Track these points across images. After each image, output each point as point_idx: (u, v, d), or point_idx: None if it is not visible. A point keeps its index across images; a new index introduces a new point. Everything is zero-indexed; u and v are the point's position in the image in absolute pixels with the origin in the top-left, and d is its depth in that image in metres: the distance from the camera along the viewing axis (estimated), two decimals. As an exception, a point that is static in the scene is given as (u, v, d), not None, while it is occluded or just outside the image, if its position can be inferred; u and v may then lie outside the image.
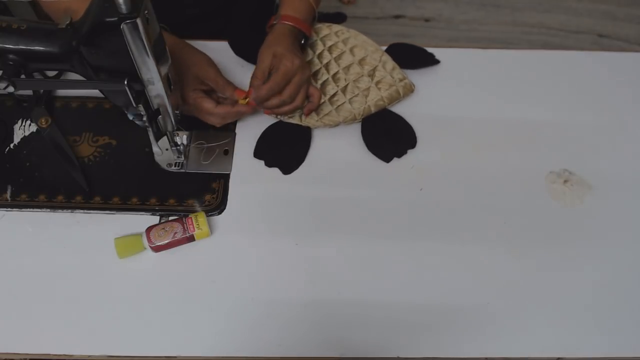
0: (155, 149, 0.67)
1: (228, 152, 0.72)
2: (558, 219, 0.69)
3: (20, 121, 0.74)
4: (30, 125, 0.73)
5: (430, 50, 0.81)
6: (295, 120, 0.74)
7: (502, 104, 0.78)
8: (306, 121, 0.74)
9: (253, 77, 0.70)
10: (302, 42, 0.76)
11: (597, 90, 0.81)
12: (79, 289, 0.63)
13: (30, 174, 0.70)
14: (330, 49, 0.78)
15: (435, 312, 0.63)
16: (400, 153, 0.73)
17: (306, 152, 0.73)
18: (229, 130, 0.74)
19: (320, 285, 0.64)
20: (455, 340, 0.62)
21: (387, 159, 0.73)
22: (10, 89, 0.53)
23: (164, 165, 0.70)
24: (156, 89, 0.56)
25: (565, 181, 0.72)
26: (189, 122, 0.71)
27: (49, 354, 0.60)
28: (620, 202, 0.71)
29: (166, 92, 0.58)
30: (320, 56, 0.78)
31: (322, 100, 0.75)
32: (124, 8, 0.48)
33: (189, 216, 0.65)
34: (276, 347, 0.61)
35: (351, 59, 0.77)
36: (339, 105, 0.74)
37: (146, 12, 0.50)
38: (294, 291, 0.64)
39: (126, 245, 0.64)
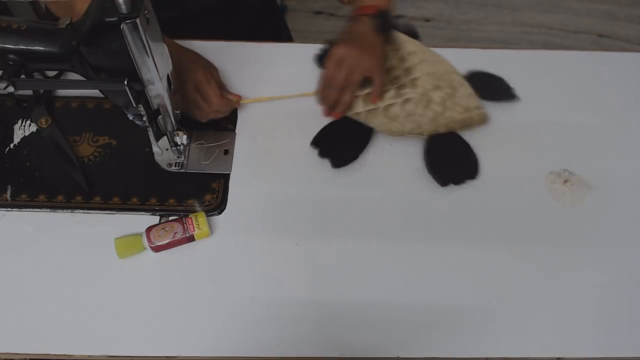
0: (155, 149, 0.67)
1: (228, 152, 0.72)
2: (558, 219, 0.69)
3: (20, 121, 0.74)
4: (30, 125, 0.73)
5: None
6: (361, 117, 0.73)
7: (502, 104, 0.78)
8: (372, 121, 0.73)
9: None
10: (380, 20, 0.74)
11: (597, 90, 0.81)
12: (79, 289, 0.63)
13: (30, 174, 0.70)
14: (412, 54, 0.76)
15: (435, 312, 0.63)
16: (458, 181, 0.71)
17: (361, 152, 0.72)
18: (228, 130, 0.74)
19: (320, 285, 0.64)
20: (455, 340, 0.62)
21: (444, 184, 0.70)
22: (10, 89, 0.52)
23: (164, 165, 0.70)
24: (156, 89, 0.56)
25: (565, 181, 0.72)
26: (189, 122, 0.71)
27: (49, 354, 0.60)
28: (620, 202, 0.71)
29: (166, 92, 0.58)
30: (402, 59, 0.76)
31: (393, 102, 0.72)
32: (124, 8, 0.47)
33: (189, 216, 0.65)
34: (276, 347, 0.61)
35: (432, 69, 0.75)
36: (409, 113, 0.72)
37: (146, 12, 0.50)
38: (294, 291, 0.64)
39: (126, 245, 0.64)
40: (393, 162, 0.73)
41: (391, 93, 0.73)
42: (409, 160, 0.73)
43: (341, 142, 0.73)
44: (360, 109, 0.73)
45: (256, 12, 0.96)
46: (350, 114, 0.74)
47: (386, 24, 0.74)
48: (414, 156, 0.73)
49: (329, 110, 0.74)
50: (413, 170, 0.72)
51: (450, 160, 0.72)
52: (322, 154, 0.72)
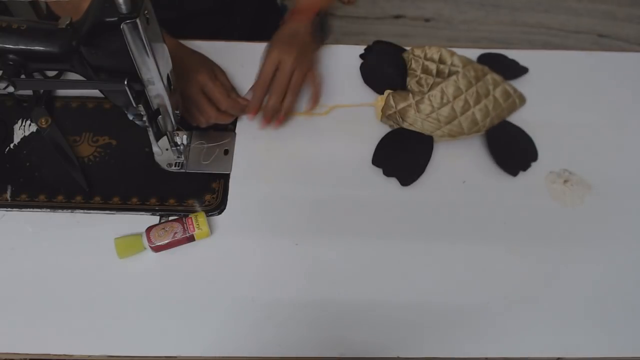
0: (155, 149, 0.67)
1: (228, 152, 0.72)
2: (558, 219, 0.69)
3: (20, 121, 0.74)
4: (30, 125, 0.73)
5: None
6: (417, 127, 0.72)
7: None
8: (429, 128, 0.71)
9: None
10: (315, 21, 0.74)
11: (597, 90, 0.81)
12: (79, 289, 0.63)
13: (30, 174, 0.70)
14: (448, 53, 0.77)
15: (435, 312, 0.63)
16: (525, 166, 0.72)
17: (427, 163, 0.71)
18: (229, 130, 0.74)
19: (320, 285, 0.64)
20: (455, 340, 0.62)
21: (515, 173, 0.71)
22: (10, 89, 0.52)
23: (164, 165, 0.70)
24: (156, 89, 0.56)
25: (565, 181, 0.72)
26: (189, 122, 0.71)
27: (49, 354, 0.60)
28: (620, 202, 0.71)
29: (166, 92, 0.58)
30: (439, 60, 0.76)
31: (441, 103, 0.71)
32: (124, 8, 0.47)
33: (189, 216, 0.65)
34: (276, 347, 0.61)
35: (477, 66, 0.75)
36: (464, 113, 0.71)
37: (146, 12, 0.50)
38: (294, 291, 0.64)
39: (126, 245, 0.64)
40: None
41: (436, 92, 0.72)
42: (409, 160, 0.73)
43: (404, 158, 0.71)
44: (413, 119, 0.72)
45: (254, 12, 0.96)
46: (404, 124, 0.72)
47: (322, 27, 0.75)
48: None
49: (268, 119, 0.72)
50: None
51: (513, 148, 0.73)
52: (388, 173, 0.71)
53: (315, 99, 0.73)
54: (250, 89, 0.73)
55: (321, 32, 0.75)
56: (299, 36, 0.72)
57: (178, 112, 0.63)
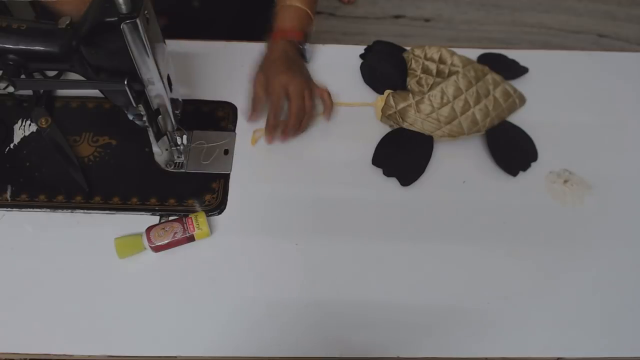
0: (155, 149, 0.67)
1: (228, 152, 0.72)
2: (558, 219, 0.69)
3: (20, 121, 0.74)
4: (30, 125, 0.73)
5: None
6: (417, 127, 0.72)
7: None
8: (429, 129, 0.71)
9: (252, 100, 0.73)
10: (301, 47, 0.77)
11: (597, 90, 0.81)
12: (79, 289, 0.63)
13: (30, 174, 0.70)
14: (449, 54, 0.77)
15: (435, 312, 0.63)
16: (525, 167, 0.72)
17: (427, 163, 0.71)
18: (228, 130, 0.74)
19: (320, 285, 0.64)
20: (455, 340, 0.62)
21: (515, 173, 0.71)
22: (10, 89, 0.52)
23: (164, 165, 0.70)
24: (156, 89, 0.56)
25: (565, 181, 0.72)
26: (189, 122, 0.71)
27: (49, 354, 0.60)
28: (620, 202, 0.71)
29: (166, 92, 0.58)
30: (447, 62, 0.76)
31: (442, 102, 0.71)
32: (124, 8, 0.47)
33: (189, 216, 0.65)
34: (276, 347, 0.61)
35: (477, 66, 0.76)
36: (464, 113, 0.71)
37: (146, 12, 0.50)
38: (294, 291, 0.64)
39: (126, 245, 0.64)
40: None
41: (436, 92, 0.72)
42: (409, 160, 0.73)
43: (404, 158, 0.71)
44: (413, 119, 0.72)
45: (239, 11, 0.95)
46: (405, 124, 0.72)
47: (304, 50, 0.78)
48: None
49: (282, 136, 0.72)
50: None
51: (513, 148, 0.73)
52: (388, 173, 0.71)
53: (329, 113, 0.75)
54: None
55: (305, 55, 0.78)
56: (296, 59, 0.74)
57: (178, 112, 0.63)
